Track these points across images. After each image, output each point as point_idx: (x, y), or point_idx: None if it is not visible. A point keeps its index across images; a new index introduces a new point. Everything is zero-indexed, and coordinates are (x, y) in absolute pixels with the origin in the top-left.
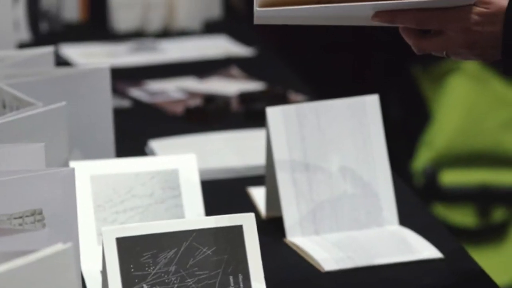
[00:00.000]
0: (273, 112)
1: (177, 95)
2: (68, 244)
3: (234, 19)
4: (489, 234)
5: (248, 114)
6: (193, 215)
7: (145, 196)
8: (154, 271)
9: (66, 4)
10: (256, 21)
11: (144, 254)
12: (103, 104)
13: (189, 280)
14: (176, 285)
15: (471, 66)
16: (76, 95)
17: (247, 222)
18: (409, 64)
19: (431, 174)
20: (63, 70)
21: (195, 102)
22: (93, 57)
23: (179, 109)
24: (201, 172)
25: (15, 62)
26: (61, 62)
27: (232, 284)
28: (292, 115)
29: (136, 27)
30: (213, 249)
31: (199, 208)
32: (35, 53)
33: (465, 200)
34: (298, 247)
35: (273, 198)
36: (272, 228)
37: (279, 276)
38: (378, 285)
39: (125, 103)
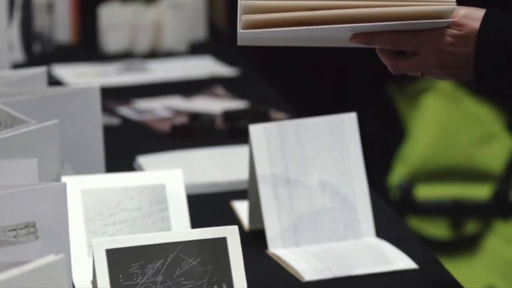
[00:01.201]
0: (255, 130)
1: (164, 113)
2: (60, 256)
3: (218, 41)
4: (462, 246)
5: (232, 131)
6: (179, 228)
7: (134, 209)
8: (142, 281)
9: (58, 26)
10: (240, 42)
11: (133, 265)
12: (94, 122)
13: None
14: None
15: (445, 86)
16: (67, 113)
17: (231, 234)
18: (385, 83)
19: (406, 188)
20: (55, 90)
21: (181, 120)
22: (84, 77)
23: (166, 126)
24: (187, 187)
25: (10, 82)
26: (53, 81)
27: None
28: (274, 132)
29: (125, 48)
30: (198, 260)
31: (185, 221)
32: (28, 73)
33: (439, 214)
34: (279, 258)
35: (255, 212)
36: (254, 240)
37: (261, 285)
38: None
39: (114, 121)
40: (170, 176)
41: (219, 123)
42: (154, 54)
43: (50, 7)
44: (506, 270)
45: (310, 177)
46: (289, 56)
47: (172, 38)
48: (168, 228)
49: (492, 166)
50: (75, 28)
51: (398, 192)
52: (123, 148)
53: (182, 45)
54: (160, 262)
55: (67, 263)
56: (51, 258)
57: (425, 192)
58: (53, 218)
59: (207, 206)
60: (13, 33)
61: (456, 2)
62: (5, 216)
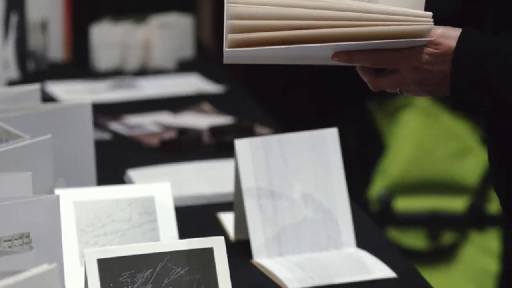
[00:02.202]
0: (241, 144)
1: (153, 129)
2: (53, 265)
3: (205, 59)
4: (439, 256)
5: (218, 146)
6: (168, 238)
7: (124, 221)
8: None
9: (51, 45)
10: (226, 60)
11: (123, 274)
12: (85, 137)
13: None
14: None
15: (423, 102)
16: (60, 129)
17: (217, 244)
18: (366, 100)
19: (386, 200)
20: (49, 106)
21: (170, 135)
22: (76, 94)
23: (155, 141)
24: (175, 199)
25: (5, 98)
26: (47, 98)
27: None
28: (259, 146)
29: (115, 66)
30: (186, 269)
31: (173, 231)
32: (23, 90)
33: (417, 225)
34: (264, 267)
35: (241, 223)
36: (240, 250)
37: None
38: None
39: (105, 136)
40: (159, 189)
41: (206, 138)
42: (144, 71)
43: (43, 27)
44: (482, 279)
45: (293, 190)
46: (273, 73)
47: (161, 56)
48: (157, 238)
49: (468, 179)
50: (68, 46)
51: (377, 204)
52: (114, 162)
53: (170, 63)
54: (149, 271)
55: (60, 272)
56: (45, 267)
57: (404, 204)
58: (46, 229)
59: (195, 217)
60: (8, 51)
61: (433, 21)
62: (0, 227)
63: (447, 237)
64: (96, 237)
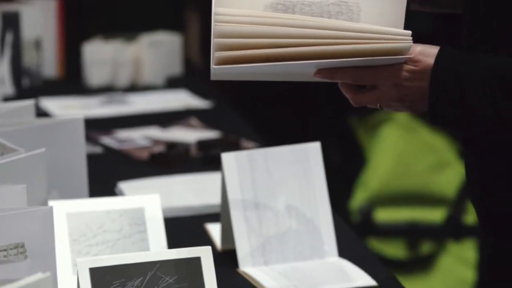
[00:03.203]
0: (227, 157)
1: (143, 143)
2: (47, 274)
3: (193, 76)
4: (417, 265)
5: (205, 159)
6: (157, 248)
7: (115, 231)
8: None
9: (45, 62)
10: (213, 77)
11: (114, 283)
12: (78, 150)
13: None
14: None
15: (402, 117)
16: (54, 143)
17: (204, 254)
18: (347, 115)
19: (366, 212)
20: (43, 121)
21: (159, 149)
22: (69, 109)
23: (144, 154)
24: (164, 210)
25: (0, 114)
26: (41, 113)
27: None
28: (244, 160)
29: (107, 82)
30: (174, 278)
31: (162, 242)
32: (18, 105)
33: (396, 235)
34: (249, 276)
35: (227, 233)
36: (226, 259)
37: None
38: None
39: (97, 150)
40: (149, 201)
41: (194, 151)
42: (134, 88)
43: (37, 45)
44: None
45: (278, 202)
46: (258, 90)
47: (150, 73)
48: (146, 248)
49: (445, 191)
50: (61, 64)
51: (358, 216)
52: (105, 174)
53: (159, 80)
54: (139, 279)
55: (53, 281)
56: (39, 276)
57: (384, 215)
58: (40, 239)
59: (183, 228)
60: (4, 68)
61: (412, 39)
62: None
63: (426, 247)
64: (88, 247)
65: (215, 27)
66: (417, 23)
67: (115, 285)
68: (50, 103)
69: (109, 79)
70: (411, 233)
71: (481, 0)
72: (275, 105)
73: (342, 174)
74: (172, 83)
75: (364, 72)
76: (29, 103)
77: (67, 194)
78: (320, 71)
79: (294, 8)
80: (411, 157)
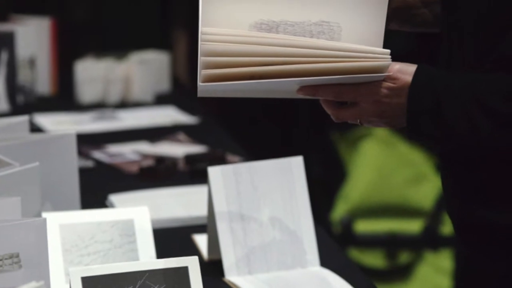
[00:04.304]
0: (213, 171)
1: (133, 157)
2: (41, 282)
3: (180, 93)
4: (396, 274)
5: (192, 172)
6: (146, 258)
7: (106, 242)
8: None
9: (39, 80)
10: (200, 94)
11: None
12: (70, 164)
13: None
14: None
15: (381, 132)
16: (47, 157)
17: (192, 264)
18: (329, 130)
19: (347, 223)
20: (37, 136)
21: (148, 163)
22: (61, 125)
23: (134, 168)
24: (153, 222)
25: None
26: (34, 129)
27: None
28: (230, 173)
29: (98, 99)
30: (163, 286)
31: (151, 252)
32: (12, 121)
33: (376, 245)
34: (234, 285)
35: (213, 244)
36: (213, 269)
37: None
38: None
39: (88, 164)
40: (138, 212)
41: (181, 165)
42: (124, 104)
43: (32, 63)
44: None
45: (262, 213)
46: (243, 106)
47: (140, 90)
48: (136, 258)
49: (423, 203)
50: (54, 81)
51: (339, 227)
52: (97, 187)
53: (148, 97)
54: None
55: None
56: (33, 284)
57: (364, 226)
58: (34, 250)
59: (171, 239)
60: None
61: (391, 58)
62: None
63: (404, 257)
64: (80, 257)
65: (202, 46)
66: (396, 42)
67: None
68: (43, 119)
69: (100, 96)
70: (390, 243)
71: (457, 20)
72: (260, 121)
73: (323, 187)
74: (160, 100)
75: (345, 89)
76: (23, 119)
77: (60, 206)
78: (303, 88)
79: (277, 28)
80: (390, 170)
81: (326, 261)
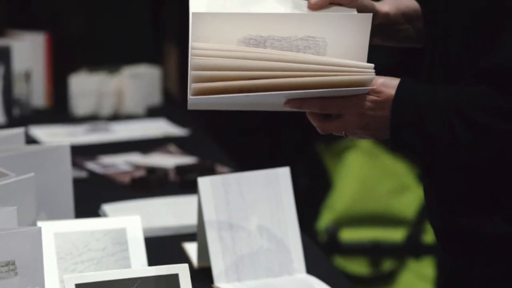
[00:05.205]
0: (203, 181)
1: (125, 168)
2: None
3: (171, 106)
4: (379, 281)
5: (183, 183)
6: (138, 266)
7: (99, 250)
8: None
9: (34, 93)
10: (190, 107)
11: None
12: (65, 175)
13: None
14: None
15: (365, 144)
16: (42, 168)
17: (182, 271)
18: (314, 142)
19: (332, 232)
20: (32, 147)
21: (140, 173)
22: (56, 137)
23: (126, 179)
24: (145, 231)
25: None
26: (30, 140)
27: None
28: (219, 183)
29: (91, 112)
30: None
31: (143, 259)
32: (9, 133)
33: (360, 253)
34: None
35: (203, 252)
36: (202, 276)
37: None
38: None
39: (82, 174)
40: (130, 222)
41: (172, 176)
42: (117, 117)
43: (27, 77)
44: None
45: (250, 222)
46: (232, 118)
47: (132, 103)
48: (128, 266)
49: (405, 213)
50: (49, 94)
51: (325, 235)
52: (90, 197)
53: (140, 109)
54: None
55: None
56: None
57: (348, 235)
58: (30, 257)
59: (162, 247)
60: None
61: (375, 72)
62: None
63: (387, 264)
64: (74, 264)
65: (192, 60)
66: (380, 56)
67: None
68: (38, 131)
69: (94, 108)
70: (373, 251)
71: (439, 36)
72: (248, 133)
73: (310, 197)
74: (152, 112)
75: (330, 102)
76: (19, 131)
77: (54, 215)
78: (290, 101)
79: (265, 43)
80: (374, 181)
81: (312, 268)
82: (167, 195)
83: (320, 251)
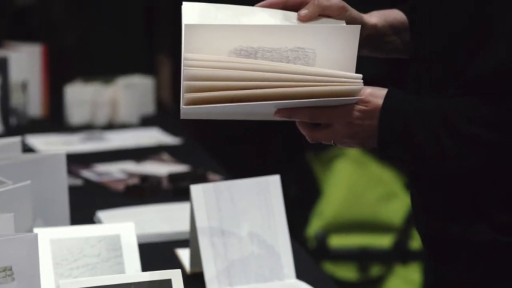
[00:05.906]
0: (195, 189)
1: (119, 176)
2: None
3: (164, 115)
4: (368, 286)
5: (175, 190)
6: (132, 271)
7: (94, 256)
8: None
9: (31, 103)
10: (182, 116)
11: None
12: (60, 183)
13: None
14: None
15: (354, 152)
16: (38, 176)
17: (175, 276)
18: (304, 150)
19: (322, 238)
20: (28, 156)
21: (134, 181)
22: (52, 145)
23: (120, 186)
24: (138, 237)
25: None
26: (27, 149)
27: None
28: (211, 191)
29: (86, 121)
30: None
31: (136, 265)
32: (6, 142)
33: (349, 259)
34: None
35: (195, 257)
36: (195, 281)
37: None
38: None
39: (77, 182)
40: (124, 228)
41: (165, 183)
42: (111, 126)
43: (24, 87)
44: None
45: (241, 229)
46: (223, 128)
47: (126, 113)
48: (122, 271)
49: (393, 220)
50: (45, 104)
51: (314, 242)
52: (85, 204)
53: (134, 119)
54: None
55: None
56: None
57: (337, 241)
58: (27, 263)
59: (155, 253)
60: None
61: (363, 82)
62: None
63: (375, 270)
64: (70, 270)
65: (184, 70)
66: (368, 67)
67: None
68: (35, 140)
69: (89, 118)
70: (362, 257)
71: (426, 47)
72: (239, 141)
73: (299, 204)
74: (145, 122)
75: (319, 112)
76: (16, 140)
77: (50, 222)
78: (280, 111)
79: (256, 54)
80: (362, 188)
81: (301, 274)
82: (160, 203)
83: (309, 257)
